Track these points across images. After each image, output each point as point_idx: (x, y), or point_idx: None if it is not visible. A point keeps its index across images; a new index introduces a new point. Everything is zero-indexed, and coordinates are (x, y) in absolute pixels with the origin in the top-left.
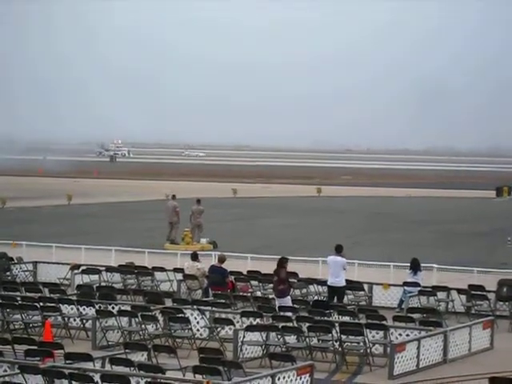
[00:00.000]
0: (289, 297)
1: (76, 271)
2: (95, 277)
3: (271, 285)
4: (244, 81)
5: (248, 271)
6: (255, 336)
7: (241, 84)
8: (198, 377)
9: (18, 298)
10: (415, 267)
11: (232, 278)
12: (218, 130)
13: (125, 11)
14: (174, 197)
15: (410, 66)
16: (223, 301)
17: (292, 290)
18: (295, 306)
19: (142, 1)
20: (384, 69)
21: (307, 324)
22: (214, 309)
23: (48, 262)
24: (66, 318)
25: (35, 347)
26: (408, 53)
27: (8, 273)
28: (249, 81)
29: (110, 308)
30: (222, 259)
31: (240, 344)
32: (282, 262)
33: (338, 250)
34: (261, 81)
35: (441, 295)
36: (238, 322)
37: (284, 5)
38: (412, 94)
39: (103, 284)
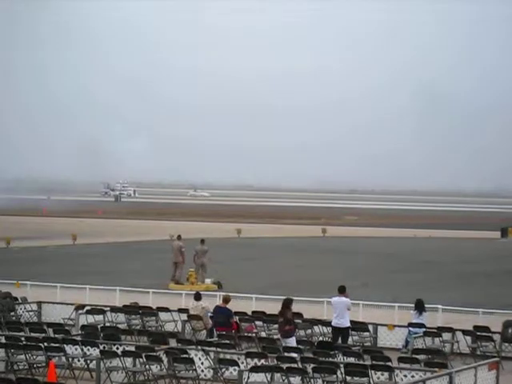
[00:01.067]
0: (294, 337)
1: (80, 311)
2: (100, 317)
3: (276, 325)
4: (244, 121)
5: (253, 312)
6: (260, 377)
7: (241, 124)
8: None
9: (23, 339)
10: (420, 308)
11: (237, 318)
12: (218, 169)
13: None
14: (179, 237)
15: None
16: (228, 341)
17: (297, 330)
18: (300, 346)
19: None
20: (388, 108)
21: (312, 365)
22: (218, 349)
23: (52, 302)
24: (70, 359)
25: None
26: (408, 63)
27: (12, 313)
28: (250, 121)
29: (114, 348)
30: (226, 299)
31: None
32: (287, 303)
33: (341, 291)
34: (262, 122)
35: (446, 336)
36: (242, 362)
37: (285, 51)
38: (417, 135)
39: (108, 324)
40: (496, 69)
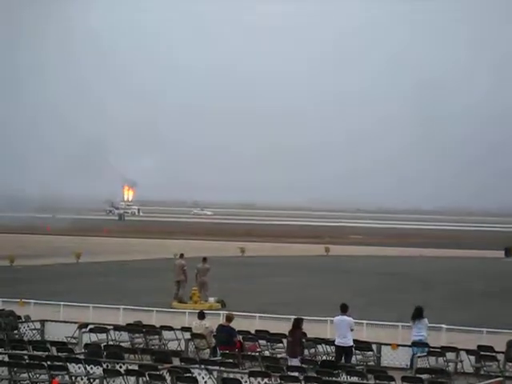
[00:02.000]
0: (298, 358)
1: (84, 330)
2: (103, 335)
3: (280, 344)
4: (243, 131)
5: (256, 330)
6: None
7: (240, 135)
8: None
9: (26, 357)
10: (418, 315)
11: (240, 337)
12: (218, 185)
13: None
14: (181, 255)
15: (414, 113)
16: (231, 360)
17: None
18: (303, 365)
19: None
20: (387, 117)
21: None
22: (221, 368)
23: (56, 321)
24: (74, 377)
25: None
26: (411, 97)
27: (15, 331)
28: (248, 131)
29: (117, 367)
30: (229, 318)
31: None
32: (298, 323)
33: (344, 310)
34: (260, 131)
35: (450, 356)
36: (245, 381)
37: (283, 56)
38: (420, 152)
39: (111, 343)
40: (504, 75)
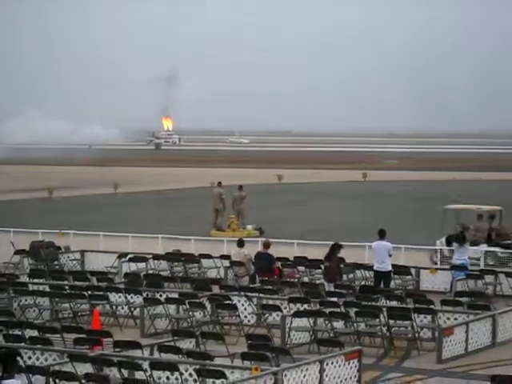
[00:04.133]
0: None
1: (123, 259)
2: (142, 265)
3: (318, 270)
4: (271, 68)
5: (295, 257)
6: (303, 322)
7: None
8: (247, 363)
9: (66, 287)
10: (461, 240)
11: (278, 263)
12: (248, 116)
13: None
14: (219, 184)
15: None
16: (270, 287)
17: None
18: (342, 291)
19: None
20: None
21: (355, 309)
22: (261, 295)
23: (95, 251)
24: (114, 307)
25: (84, 335)
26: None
27: (56, 262)
28: (277, 69)
29: (157, 296)
30: (267, 245)
31: (288, 330)
32: (335, 248)
33: (381, 235)
34: (298, 68)
35: (488, 278)
36: (285, 308)
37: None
38: (462, 74)
39: (150, 272)
40: None
